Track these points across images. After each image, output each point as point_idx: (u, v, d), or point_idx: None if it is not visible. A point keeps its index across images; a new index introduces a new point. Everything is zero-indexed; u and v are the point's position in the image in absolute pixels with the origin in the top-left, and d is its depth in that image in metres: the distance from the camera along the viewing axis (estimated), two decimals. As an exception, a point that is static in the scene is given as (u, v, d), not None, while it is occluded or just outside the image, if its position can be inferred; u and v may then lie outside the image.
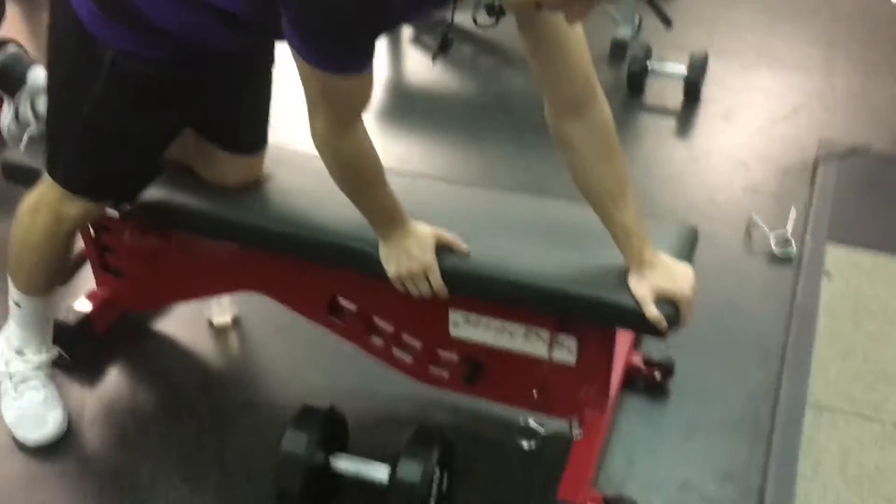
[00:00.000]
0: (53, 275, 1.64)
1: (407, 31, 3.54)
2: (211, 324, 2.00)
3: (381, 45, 3.45)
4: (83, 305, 1.92)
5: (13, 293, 1.64)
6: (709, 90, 3.07)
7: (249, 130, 1.65)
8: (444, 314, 1.60)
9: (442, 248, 1.46)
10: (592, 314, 1.44)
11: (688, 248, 1.53)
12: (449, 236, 1.46)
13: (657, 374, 1.82)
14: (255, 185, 1.68)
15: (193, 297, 1.92)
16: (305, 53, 1.17)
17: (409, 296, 1.48)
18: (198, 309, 2.00)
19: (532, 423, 1.67)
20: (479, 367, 1.66)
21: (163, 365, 1.90)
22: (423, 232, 1.44)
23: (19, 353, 1.69)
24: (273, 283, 1.77)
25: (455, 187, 1.75)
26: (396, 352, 1.73)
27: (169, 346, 1.96)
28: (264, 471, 1.59)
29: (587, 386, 1.62)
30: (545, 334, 1.53)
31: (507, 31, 1.30)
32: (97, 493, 1.60)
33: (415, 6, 1.23)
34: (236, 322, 2.01)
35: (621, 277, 1.39)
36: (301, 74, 1.21)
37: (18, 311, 1.66)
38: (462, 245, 1.46)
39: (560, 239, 1.51)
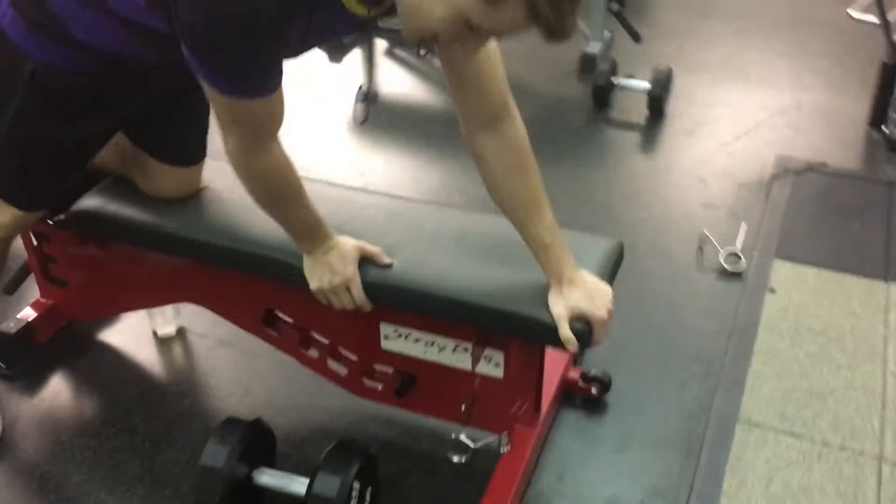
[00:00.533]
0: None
1: (381, 44, 3.55)
2: (155, 334, 2.01)
3: (355, 57, 3.52)
4: (26, 314, 1.93)
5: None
6: (676, 104, 3.08)
7: (185, 143, 1.66)
8: (375, 327, 1.61)
9: (367, 261, 1.47)
10: (512, 329, 1.45)
11: (612, 264, 1.53)
12: (372, 249, 1.47)
13: (594, 390, 1.83)
14: (192, 197, 1.69)
15: (135, 307, 1.94)
16: (209, 79, 1.18)
17: (340, 309, 1.49)
18: (144, 319, 2.01)
19: (463, 437, 1.67)
20: (411, 381, 1.67)
21: (104, 375, 1.91)
22: (346, 245, 1.45)
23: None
24: (209, 295, 1.78)
25: (390, 200, 1.76)
26: (331, 364, 1.74)
27: (112, 356, 1.97)
28: (191, 484, 1.59)
29: (516, 401, 1.63)
30: (471, 348, 1.54)
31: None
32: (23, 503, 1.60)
33: (318, 37, 1.24)
34: (180, 333, 2.02)
35: (543, 293, 1.40)
36: (209, 97, 1.23)
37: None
38: (385, 258, 1.47)
39: (489, 253, 1.52)
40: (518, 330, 1.44)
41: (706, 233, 2.33)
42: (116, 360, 1.96)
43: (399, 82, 3.29)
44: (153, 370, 1.94)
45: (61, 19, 1.31)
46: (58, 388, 1.87)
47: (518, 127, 1.35)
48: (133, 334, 2.01)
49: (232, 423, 1.52)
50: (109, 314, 2.02)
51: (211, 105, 1.24)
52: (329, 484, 1.43)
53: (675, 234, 2.40)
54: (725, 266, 2.23)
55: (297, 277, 1.49)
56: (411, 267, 1.49)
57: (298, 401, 1.84)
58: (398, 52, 3.52)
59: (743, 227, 2.35)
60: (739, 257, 2.24)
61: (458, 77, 1.31)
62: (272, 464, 1.57)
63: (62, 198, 1.65)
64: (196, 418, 1.80)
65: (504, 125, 1.34)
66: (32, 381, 1.88)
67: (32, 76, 1.34)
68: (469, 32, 1.07)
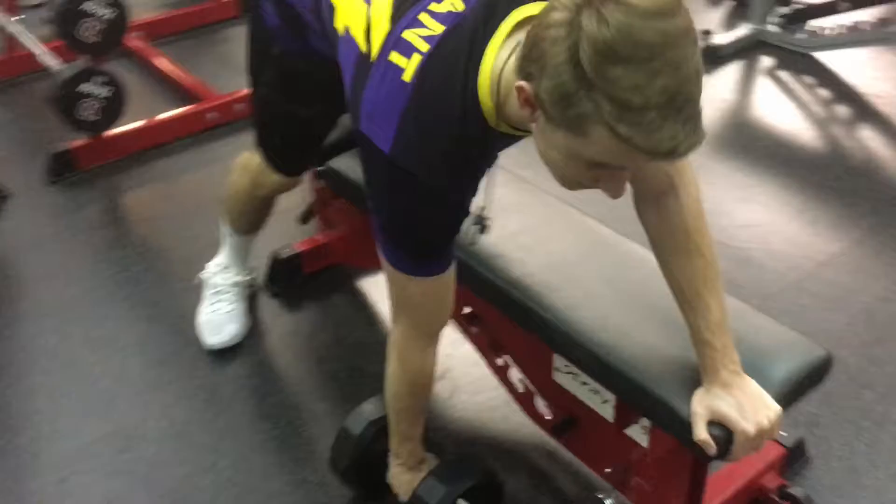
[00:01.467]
0: (251, 224, 1.93)
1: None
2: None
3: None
4: (299, 245, 2.20)
5: (222, 225, 1.97)
6: None
7: None
8: (549, 356, 1.57)
9: (554, 294, 1.44)
10: (647, 409, 1.31)
11: (802, 377, 1.30)
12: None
13: (787, 511, 1.57)
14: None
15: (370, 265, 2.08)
16: (386, 253, 1.25)
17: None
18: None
19: (608, 500, 1.56)
20: (571, 422, 1.60)
21: (346, 315, 2.10)
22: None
23: (225, 268, 2.02)
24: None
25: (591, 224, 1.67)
26: (511, 375, 1.73)
27: (361, 301, 2.15)
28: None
29: (662, 483, 1.47)
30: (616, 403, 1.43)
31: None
32: (244, 410, 1.87)
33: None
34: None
35: (696, 380, 1.25)
36: (386, 275, 1.29)
37: (228, 240, 1.98)
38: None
39: (669, 314, 1.37)
40: (653, 412, 1.30)
41: None
42: (362, 305, 2.14)
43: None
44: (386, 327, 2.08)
45: (308, 23, 1.45)
46: (306, 315, 2.11)
47: (684, 204, 1.21)
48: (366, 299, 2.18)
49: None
50: (359, 264, 2.20)
51: (388, 284, 1.32)
52: (433, 491, 1.44)
53: None
54: None
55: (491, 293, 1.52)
56: (583, 314, 1.41)
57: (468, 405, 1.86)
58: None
59: None
60: None
61: None
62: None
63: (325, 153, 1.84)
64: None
65: (668, 200, 1.21)
66: (290, 302, 2.14)
67: (279, 56, 1.51)
68: (598, 168, 0.99)
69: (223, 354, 1.97)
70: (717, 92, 3.10)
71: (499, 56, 1.06)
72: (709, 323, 1.21)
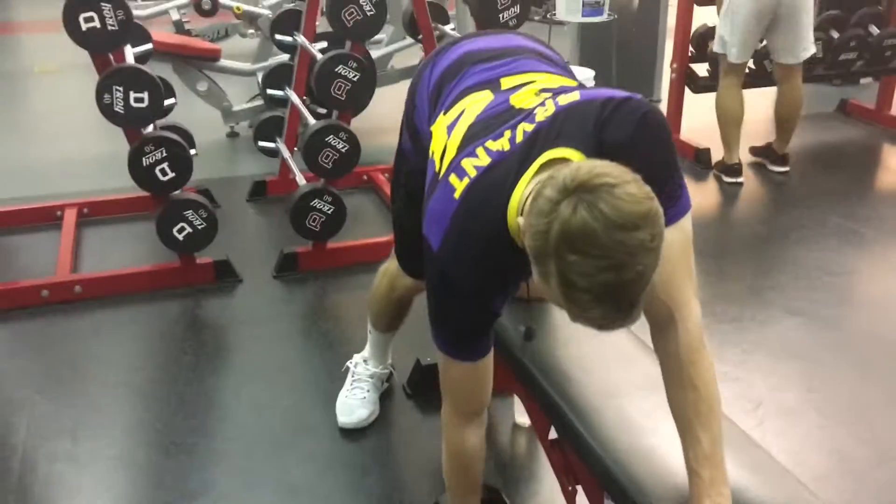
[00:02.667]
0: (388, 324, 2.26)
1: None
2: (515, 422, 2.35)
3: None
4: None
5: (368, 322, 2.32)
6: None
7: None
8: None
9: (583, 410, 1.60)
10: None
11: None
12: None
13: None
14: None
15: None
16: (434, 336, 1.50)
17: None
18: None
19: None
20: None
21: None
22: None
23: (364, 360, 2.36)
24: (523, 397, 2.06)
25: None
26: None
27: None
28: None
29: None
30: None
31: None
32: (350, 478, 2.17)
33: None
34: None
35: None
36: (438, 358, 1.55)
37: (369, 335, 2.33)
38: None
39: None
40: None
41: None
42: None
43: None
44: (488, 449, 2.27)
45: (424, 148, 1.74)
46: (421, 426, 2.38)
47: (682, 340, 1.34)
48: (491, 415, 2.38)
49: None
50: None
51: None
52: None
53: None
54: None
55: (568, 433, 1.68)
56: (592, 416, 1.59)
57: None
58: None
59: None
60: None
61: None
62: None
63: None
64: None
65: (669, 334, 1.36)
66: (422, 405, 2.43)
67: (407, 175, 1.84)
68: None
69: (351, 432, 2.30)
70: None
71: (526, 189, 1.31)
72: (697, 454, 1.32)
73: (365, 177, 3.96)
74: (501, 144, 1.39)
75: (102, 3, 2.57)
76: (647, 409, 1.61)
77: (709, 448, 1.32)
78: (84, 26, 2.59)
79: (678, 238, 1.32)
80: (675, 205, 1.31)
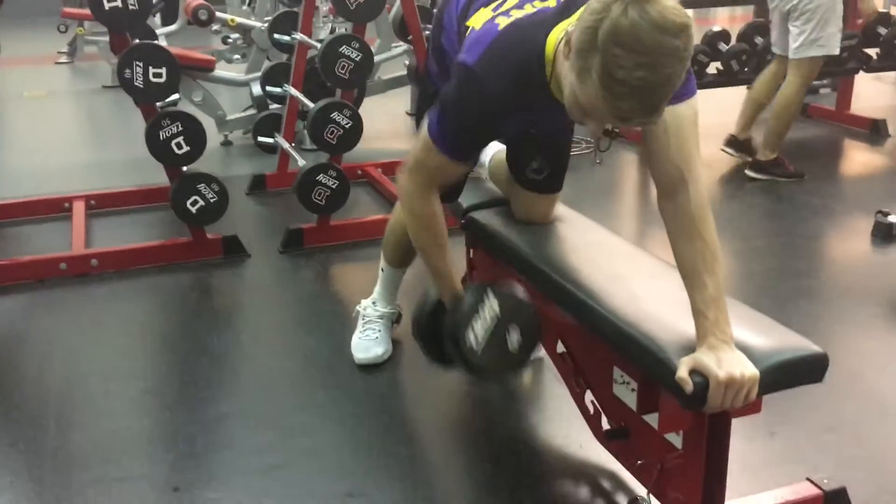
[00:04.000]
0: (402, 258, 2.41)
1: None
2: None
3: None
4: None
5: (382, 261, 2.47)
6: None
7: (548, 175, 2.13)
8: (610, 370, 1.85)
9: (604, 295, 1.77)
10: (641, 361, 1.61)
11: (791, 366, 1.50)
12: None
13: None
14: (546, 226, 2.18)
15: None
16: (434, 128, 1.70)
17: (596, 348, 1.82)
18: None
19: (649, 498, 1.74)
20: (623, 432, 1.84)
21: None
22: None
23: (373, 302, 2.51)
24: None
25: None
26: (586, 399, 2.01)
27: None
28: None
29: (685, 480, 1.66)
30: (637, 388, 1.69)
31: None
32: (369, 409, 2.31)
33: (539, 126, 1.72)
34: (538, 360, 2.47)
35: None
36: (419, 137, 1.77)
37: (381, 274, 2.48)
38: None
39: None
40: (647, 364, 1.58)
41: None
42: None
43: None
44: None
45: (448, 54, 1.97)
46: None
47: (692, 198, 1.53)
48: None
49: None
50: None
51: (415, 144, 1.79)
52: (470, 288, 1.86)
53: None
54: None
55: (581, 313, 1.84)
56: (602, 294, 1.77)
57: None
58: None
59: None
60: None
61: (644, 149, 1.58)
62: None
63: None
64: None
65: (679, 194, 1.54)
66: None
67: (433, 95, 1.99)
68: (585, 115, 1.41)
69: (368, 368, 2.44)
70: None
71: (562, 34, 1.51)
72: (704, 297, 1.50)
73: (359, 171, 4.14)
74: (547, 4, 1.62)
75: (124, -16, 2.77)
76: (653, 287, 1.79)
77: (714, 291, 1.49)
78: (107, 5, 2.77)
79: (689, 113, 1.54)
80: (686, 84, 1.50)
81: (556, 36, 1.54)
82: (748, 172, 4.16)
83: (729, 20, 9.68)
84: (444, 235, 1.88)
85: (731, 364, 1.43)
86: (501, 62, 1.60)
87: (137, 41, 2.91)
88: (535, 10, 1.62)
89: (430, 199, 1.83)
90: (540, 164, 2.02)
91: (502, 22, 1.62)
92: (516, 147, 2.13)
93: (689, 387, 1.43)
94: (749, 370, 1.43)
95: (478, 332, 1.79)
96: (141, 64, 2.82)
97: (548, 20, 1.57)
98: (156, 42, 2.98)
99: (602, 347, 1.78)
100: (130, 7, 2.79)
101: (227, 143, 4.88)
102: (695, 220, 1.53)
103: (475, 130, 1.71)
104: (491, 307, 1.80)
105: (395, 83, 4.91)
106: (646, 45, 1.28)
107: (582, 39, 1.33)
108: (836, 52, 3.95)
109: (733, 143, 4.36)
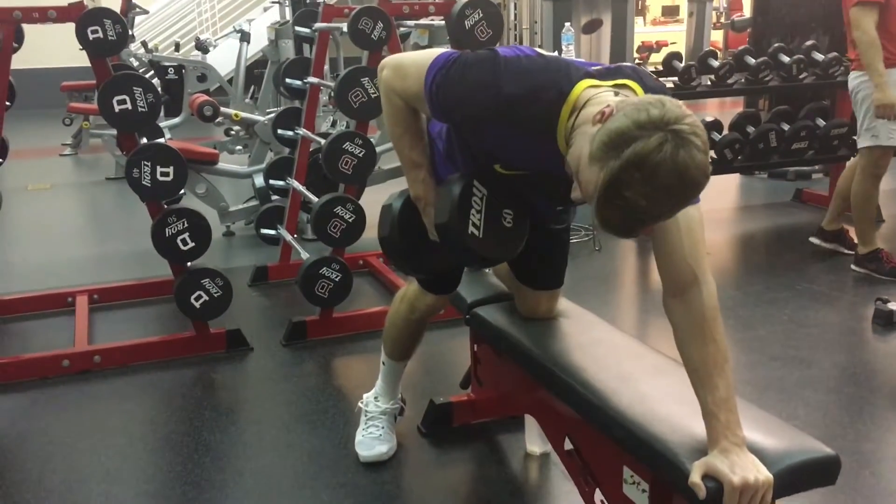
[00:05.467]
0: (402, 352, 2.41)
1: None
2: (526, 452, 2.48)
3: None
4: (455, 396, 2.63)
5: (382, 355, 2.47)
6: None
7: (547, 273, 2.19)
8: (620, 469, 1.83)
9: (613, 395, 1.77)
10: (654, 464, 1.59)
11: (801, 470, 1.50)
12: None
13: None
14: (548, 321, 2.20)
15: (508, 413, 2.45)
16: (438, 60, 1.72)
17: (605, 446, 1.80)
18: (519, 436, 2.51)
19: None
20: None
21: (467, 470, 2.46)
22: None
23: (376, 397, 2.49)
24: (536, 411, 2.22)
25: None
26: (596, 498, 1.98)
27: (481, 457, 2.50)
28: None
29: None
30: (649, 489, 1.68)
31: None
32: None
33: (522, 160, 1.76)
34: (544, 457, 2.45)
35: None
36: (420, 53, 1.80)
37: (383, 368, 2.48)
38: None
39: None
40: (659, 466, 1.57)
41: None
42: (483, 459, 2.49)
43: None
44: (501, 478, 2.41)
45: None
46: (431, 458, 2.50)
47: (704, 299, 1.55)
48: (503, 448, 2.52)
49: None
50: (499, 415, 2.57)
51: (422, 53, 1.79)
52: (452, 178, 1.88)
53: None
54: None
55: (590, 414, 1.84)
56: (611, 394, 1.77)
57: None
58: None
59: None
60: None
61: (654, 246, 1.60)
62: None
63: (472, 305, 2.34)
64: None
65: (691, 294, 1.56)
66: (438, 443, 2.56)
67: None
68: (577, 182, 1.45)
69: (372, 466, 2.41)
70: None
71: (588, 91, 1.56)
72: (715, 399, 1.51)
73: (361, 261, 4.18)
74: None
75: (134, 87, 2.84)
76: (661, 386, 1.80)
77: (724, 393, 1.50)
78: (117, 108, 2.84)
79: (697, 215, 1.57)
80: None
81: (585, 84, 1.57)
82: (854, 267, 4.10)
83: (719, 106, 9.92)
84: (415, 125, 1.90)
85: (745, 468, 1.43)
86: (526, 75, 1.61)
87: (145, 140, 2.97)
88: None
89: (398, 99, 1.86)
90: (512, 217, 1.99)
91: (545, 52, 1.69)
92: None
93: (702, 492, 1.43)
94: (763, 474, 1.43)
95: (473, 215, 1.83)
96: (149, 164, 2.88)
97: (587, 68, 1.61)
98: (163, 142, 3.01)
99: (611, 446, 1.77)
100: (140, 110, 2.86)
101: (229, 234, 4.93)
102: (707, 321, 1.54)
103: (461, 104, 1.69)
104: (478, 189, 1.85)
105: (396, 173, 4.99)
106: (662, 184, 1.31)
107: (613, 138, 1.35)
108: (890, 142, 3.88)
109: (821, 234, 4.43)
